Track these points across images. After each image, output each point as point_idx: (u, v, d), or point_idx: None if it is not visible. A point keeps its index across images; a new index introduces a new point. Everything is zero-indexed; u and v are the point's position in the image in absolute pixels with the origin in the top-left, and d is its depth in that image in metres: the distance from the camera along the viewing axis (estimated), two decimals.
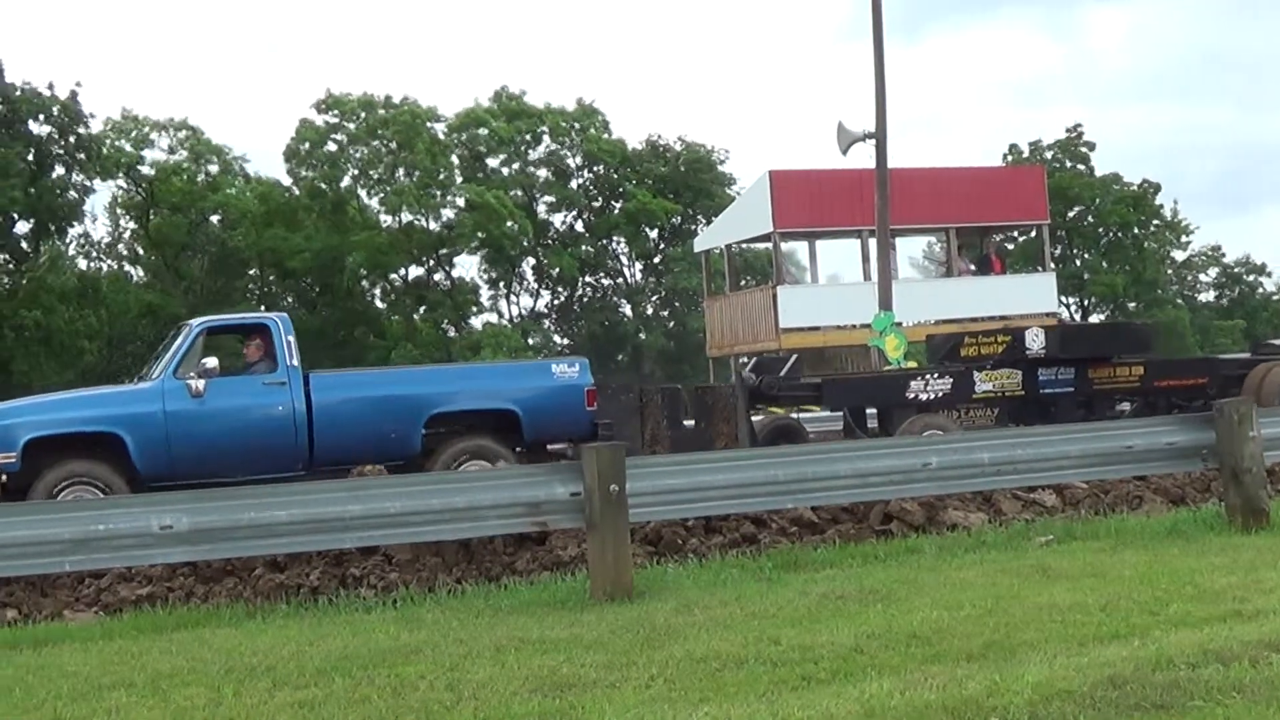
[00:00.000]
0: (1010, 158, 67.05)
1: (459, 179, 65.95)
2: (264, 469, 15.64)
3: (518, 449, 17.23)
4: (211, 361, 16.22)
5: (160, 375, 16.30)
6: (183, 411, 15.96)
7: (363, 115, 64.52)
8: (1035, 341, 20.68)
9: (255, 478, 14.71)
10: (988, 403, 20.66)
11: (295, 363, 16.62)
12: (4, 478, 15.44)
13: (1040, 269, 40.30)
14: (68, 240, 62.76)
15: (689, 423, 20.66)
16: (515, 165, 69.02)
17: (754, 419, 21.61)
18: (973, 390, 20.46)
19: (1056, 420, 19.35)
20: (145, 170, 63.95)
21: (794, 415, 22.81)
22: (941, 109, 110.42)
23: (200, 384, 15.97)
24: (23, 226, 54.79)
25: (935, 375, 20.58)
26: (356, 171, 65.99)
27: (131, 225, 67.27)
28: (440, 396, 17.16)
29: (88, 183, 57.59)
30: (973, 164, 49.91)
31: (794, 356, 22.91)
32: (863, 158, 30.34)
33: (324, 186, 64.85)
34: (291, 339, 16.75)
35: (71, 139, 54.96)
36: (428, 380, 18.28)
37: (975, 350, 21.30)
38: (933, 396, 20.26)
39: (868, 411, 21.50)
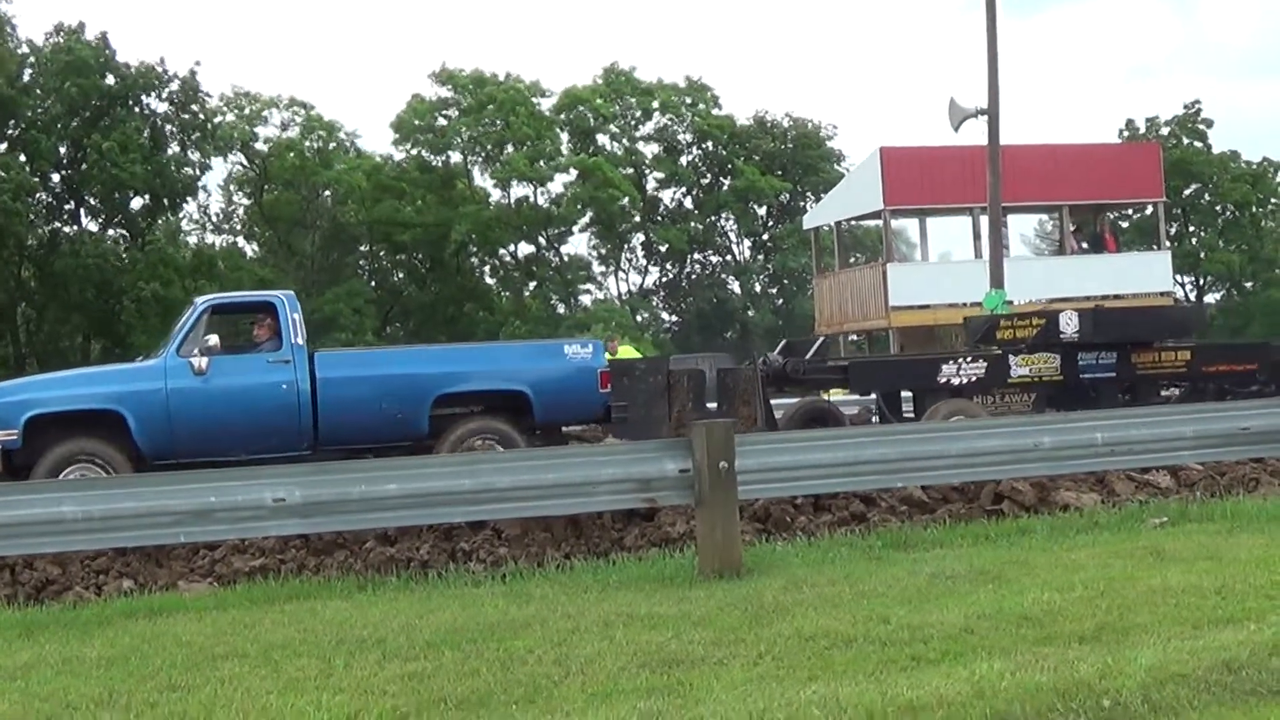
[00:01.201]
0: (1126, 134, 66.16)
1: (565, 152, 66.10)
2: (268, 448, 15.52)
3: (536, 431, 17.02)
4: (213, 339, 16.04)
5: (163, 353, 16.26)
6: (185, 389, 15.80)
7: (472, 89, 64.84)
8: (1069, 325, 20.20)
9: (258, 457, 14.70)
10: (1024, 388, 20.17)
11: (300, 341, 16.36)
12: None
13: (1155, 247, 39.76)
14: (182, 215, 63.71)
15: (712, 405, 20.41)
16: (623, 142, 69.01)
17: (789, 401, 21.43)
18: (1008, 375, 20.00)
19: (1097, 407, 18.91)
20: (259, 146, 64.70)
21: (826, 398, 22.31)
22: (1056, 84, 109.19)
23: (203, 362, 15.80)
24: (138, 202, 55.62)
25: (968, 359, 20.21)
26: (464, 145, 66.28)
27: (245, 201, 68.09)
28: (448, 377, 16.87)
29: (204, 160, 58.39)
30: (1087, 140, 49.17)
31: (820, 339, 22.62)
32: (975, 134, 30.11)
33: (432, 159, 65.25)
34: (298, 317, 16.50)
35: (187, 116, 55.68)
36: (436, 360, 17.87)
37: (1011, 333, 20.89)
38: (965, 380, 19.81)
39: (904, 395, 21.18)
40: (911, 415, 20.38)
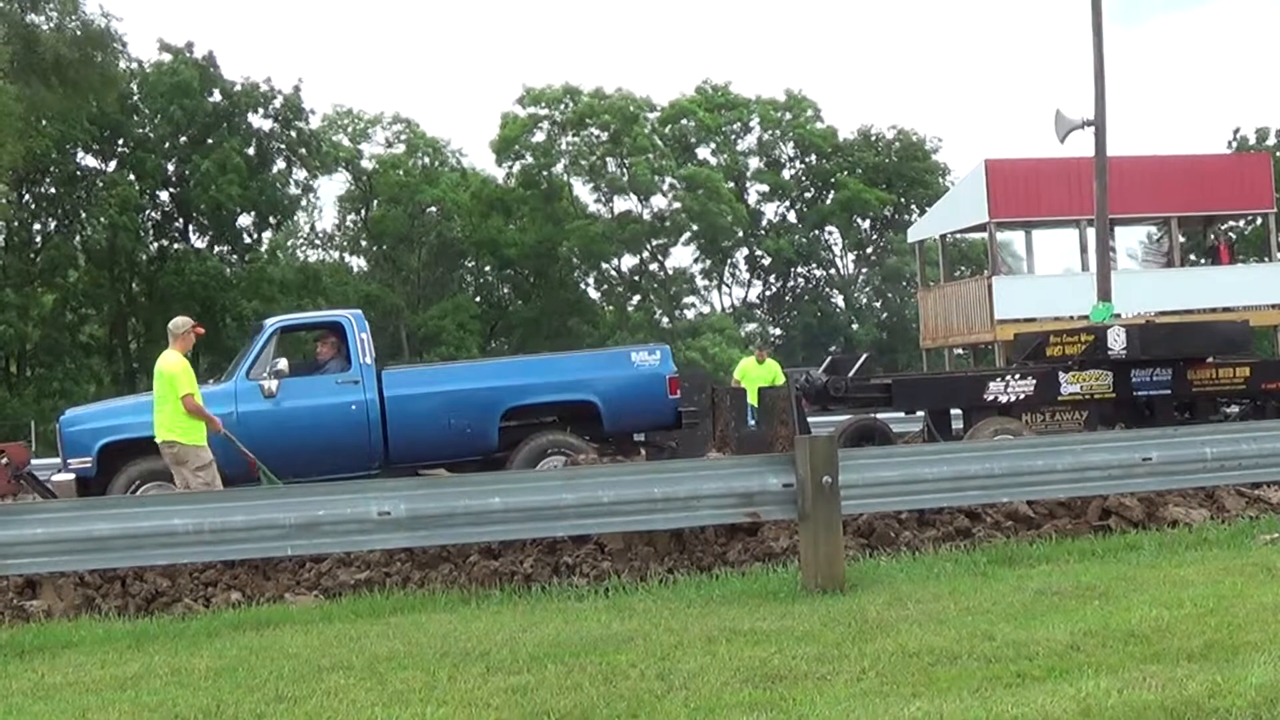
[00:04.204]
0: (1234, 143, 65.17)
1: (672, 168, 66.29)
2: (339, 468, 15.56)
3: (608, 441, 17.02)
4: (282, 363, 16.14)
5: (233, 377, 16.40)
6: (256, 413, 15.90)
7: (569, 103, 65.15)
8: (1117, 341, 19.91)
9: (330, 477, 14.71)
10: (1075, 405, 19.87)
11: (369, 360, 16.48)
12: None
13: (1267, 259, 39.18)
14: (294, 231, 64.39)
15: (753, 423, 20.30)
16: (724, 156, 69.08)
17: (839, 418, 21.28)
18: (1058, 392, 19.79)
19: (1153, 425, 18.54)
20: (364, 164, 65.30)
21: (876, 415, 22.01)
22: (1164, 94, 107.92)
23: (273, 385, 15.89)
24: (245, 219, 56.37)
25: (1017, 376, 19.94)
26: (567, 161, 66.61)
27: (353, 217, 68.76)
28: (516, 390, 16.92)
29: (309, 177, 59.07)
30: (1197, 150, 48.62)
31: (864, 355, 22.38)
32: (1081, 146, 29.82)
33: (536, 173, 65.50)
34: (365, 336, 16.61)
35: (293, 133, 56.34)
36: (503, 373, 17.91)
37: (1060, 350, 20.57)
38: (1014, 398, 19.58)
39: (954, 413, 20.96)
40: (962, 434, 20.18)
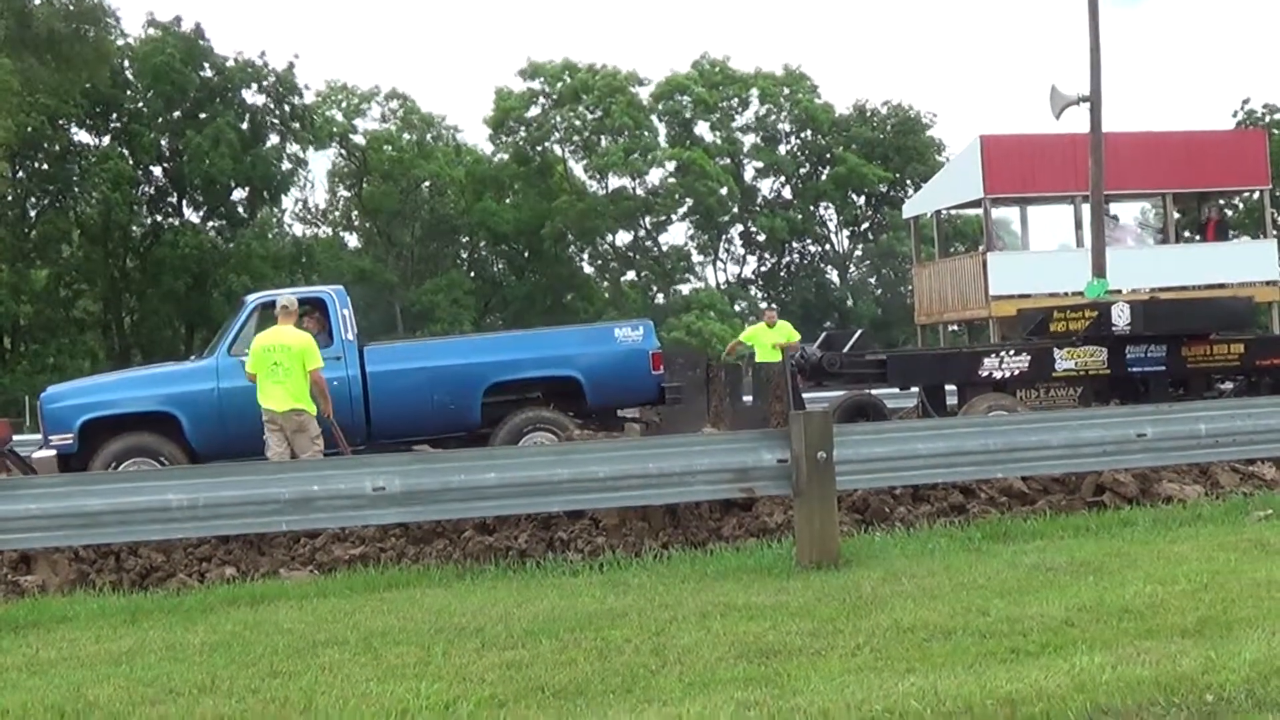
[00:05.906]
0: (1241, 115, 64.83)
1: (664, 144, 66.12)
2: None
3: (591, 416, 16.95)
4: None
5: (215, 353, 16.35)
6: (237, 389, 15.59)
7: (566, 79, 65.02)
8: (1121, 317, 19.87)
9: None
10: (1070, 381, 19.90)
11: (351, 336, 16.43)
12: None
13: (1261, 236, 39.11)
14: (284, 207, 64.31)
15: (748, 399, 20.29)
16: (721, 133, 68.91)
17: (833, 394, 21.27)
18: (1053, 368, 19.79)
19: (1147, 401, 18.51)
20: (357, 139, 65.16)
21: (870, 391, 21.85)
22: (1162, 71, 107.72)
23: None
24: (239, 194, 56.27)
25: (1012, 352, 19.95)
26: (560, 135, 66.47)
27: (345, 193, 68.65)
28: (498, 365, 16.89)
29: (301, 152, 58.95)
30: (1194, 127, 48.31)
31: (859, 331, 22.30)
32: (1077, 121, 29.74)
33: (529, 149, 65.37)
34: (347, 312, 16.54)
35: (286, 108, 56.23)
36: (485, 349, 17.87)
37: (1064, 326, 20.53)
38: (1009, 374, 19.60)
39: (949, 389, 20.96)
40: (957, 410, 20.16)
